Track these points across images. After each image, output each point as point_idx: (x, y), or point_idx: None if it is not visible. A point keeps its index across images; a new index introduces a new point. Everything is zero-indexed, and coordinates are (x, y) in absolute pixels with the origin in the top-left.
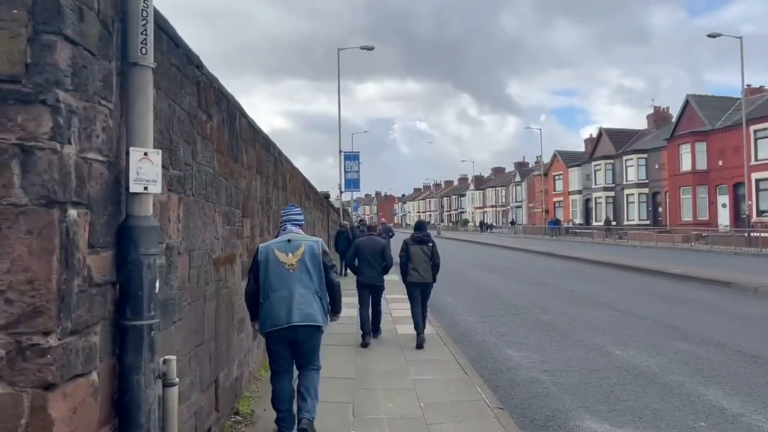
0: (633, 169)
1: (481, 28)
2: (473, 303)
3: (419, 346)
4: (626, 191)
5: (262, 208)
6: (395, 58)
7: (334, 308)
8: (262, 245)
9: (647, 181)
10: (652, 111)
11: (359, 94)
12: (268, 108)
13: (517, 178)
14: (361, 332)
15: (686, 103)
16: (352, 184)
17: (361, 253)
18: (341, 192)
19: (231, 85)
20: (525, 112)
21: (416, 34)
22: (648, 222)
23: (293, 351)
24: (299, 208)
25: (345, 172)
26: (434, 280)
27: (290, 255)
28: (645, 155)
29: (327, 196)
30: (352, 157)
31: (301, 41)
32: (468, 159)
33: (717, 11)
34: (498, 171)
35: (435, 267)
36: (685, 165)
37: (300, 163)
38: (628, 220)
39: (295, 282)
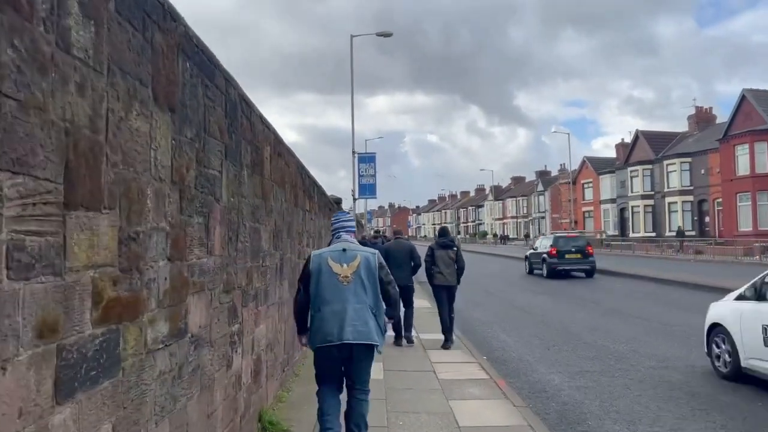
0: (675, 175)
1: (489, 40)
2: (543, 345)
3: (445, 347)
4: (668, 199)
5: (180, 198)
6: (404, 70)
7: (390, 314)
8: (314, 253)
9: (692, 187)
10: (693, 112)
11: (370, 108)
12: (280, 122)
13: (540, 188)
14: (393, 332)
15: (741, 98)
16: (368, 189)
17: (391, 255)
18: (355, 199)
19: None
20: (535, 124)
21: (424, 46)
22: (694, 233)
23: (344, 368)
24: (350, 214)
25: (359, 176)
26: (458, 283)
27: (345, 266)
28: (689, 159)
29: (338, 201)
30: (367, 160)
31: (311, 55)
32: (482, 170)
33: (726, 21)
34: (518, 180)
35: (460, 270)
36: (743, 168)
37: (312, 174)
38: (670, 230)
39: (350, 295)
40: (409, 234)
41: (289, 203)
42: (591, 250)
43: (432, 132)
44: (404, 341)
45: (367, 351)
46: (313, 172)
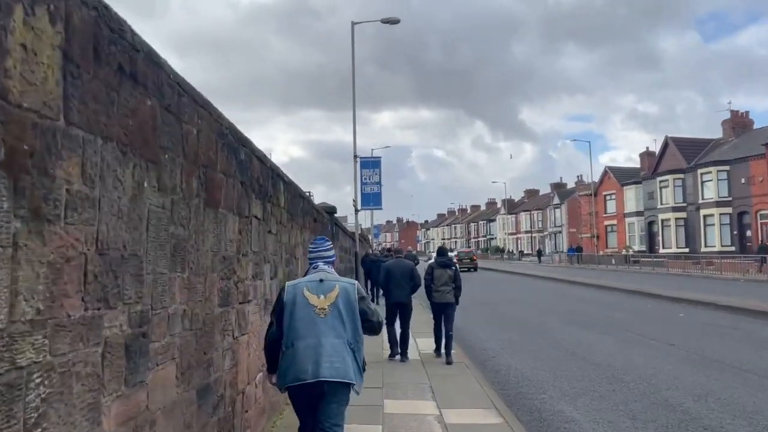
0: (711, 185)
1: (490, 56)
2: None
3: (440, 356)
4: (703, 211)
5: None
6: (407, 86)
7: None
8: (289, 283)
9: (730, 198)
10: (728, 116)
11: (375, 124)
12: (285, 138)
13: (556, 201)
14: (389, 345)
15: None
16: (372, 199)
17: (391, 274)
18: (357, 211)
19: (247, 118)
20: (540, 139)
21: (426, 62)
22: (733, 248)
23: (317, 407)
24: (330, 243)
25: (362, 184)
26: (457, 302)
27: (322, 297)
28: (726, 167)
29: (330, 211)
30: (371, 165)
31: (313, 72)
32: (489, 186)
33: (729, 36)
34: (531, 193)
35: (457, 289)
36: None
37: (318, 191)
38: (706, 246)
39: (327, 329)
40: (417, 249)
41: (185, 197)
42: (475, 258)
43: (438, 147)
44: (398, 357)
45: (343, 390)
46: (320, 188)
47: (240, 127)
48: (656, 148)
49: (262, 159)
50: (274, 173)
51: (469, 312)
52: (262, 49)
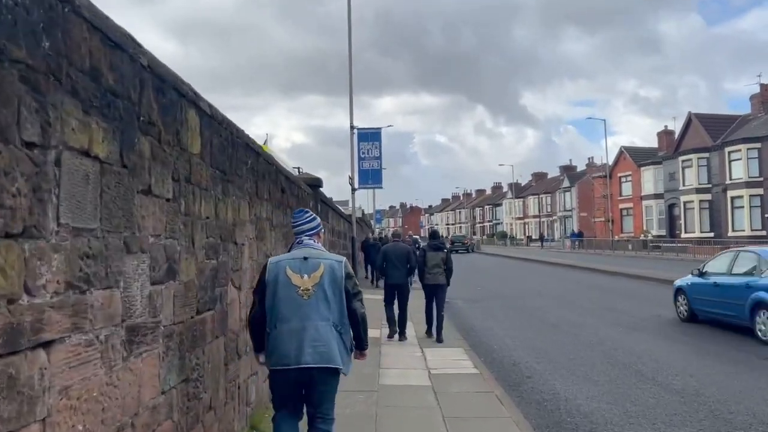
0: (740, 164)
1: (491, 40)
2: None
3: (433, 334)
4: (731, 193)
5: None
6: (408, 71)
7: (359, 344)
8: (272, 260)
9: (762, 178)
10: (758, 90)
11: (377, 109)
12: (288, 124)
13: (566, 184)
14: (387, 326)
15: None
16: (371, 176)
17: (389, 257)
18: (354, 190)
19: (251, 103)
20: (542, 124)
21: (426, 47)
22: (764, 232)
23: (303, 393)
24: (311, 213)
25: (360, 159)
26: (448, 283)
27: (305, 277)
28: (757, 144)
29: (314, 184)
30: (369, 137)
31: (315, 57)
32: (491, 170)
33: (732, 19)
34: (539, 177)
35: (448, 270)
36: None
37: (321, 176)
38: (734, 230)
39: (310, 311)
40: (421, 234)
41: None
42: (466, 242)
43: (440, 132)
44: (397, 336)
45: (330, 376)
46: (323, 174)
47: (242, 114)
48: (676, 127)
49: (116, 41)
50: (165, 83)
51: (485, 306)
52: (263, 34)
